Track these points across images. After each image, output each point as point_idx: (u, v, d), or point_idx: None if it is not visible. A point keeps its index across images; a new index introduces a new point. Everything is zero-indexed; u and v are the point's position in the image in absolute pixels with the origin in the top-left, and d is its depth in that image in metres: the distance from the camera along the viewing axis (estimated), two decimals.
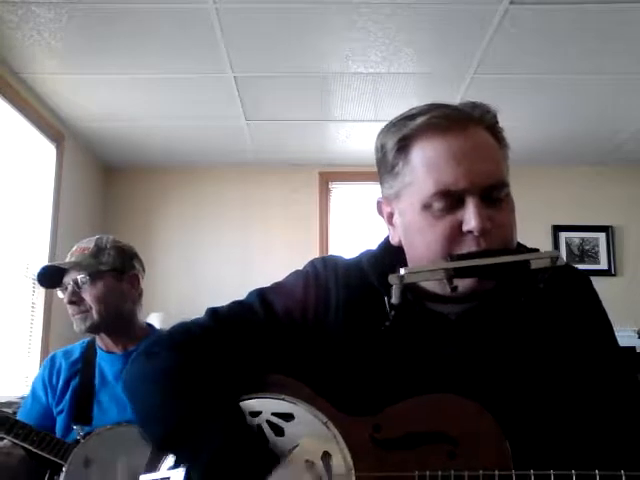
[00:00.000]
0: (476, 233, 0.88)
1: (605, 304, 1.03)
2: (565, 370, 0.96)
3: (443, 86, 3.39)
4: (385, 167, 0.98)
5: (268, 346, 1.01)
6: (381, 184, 1.01)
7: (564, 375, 0.95)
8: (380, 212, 1.03)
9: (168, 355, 0.99)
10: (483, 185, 0.90)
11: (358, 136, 4.08)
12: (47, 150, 3.73)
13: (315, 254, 4.47)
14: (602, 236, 4.54)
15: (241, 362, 1.00)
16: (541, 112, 3.71)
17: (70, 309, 1.80)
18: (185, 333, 1.03)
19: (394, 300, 0.87)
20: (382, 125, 1.02)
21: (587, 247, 4.54)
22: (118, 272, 1.83)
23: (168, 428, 0.92)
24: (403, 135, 0.94)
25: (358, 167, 4.43)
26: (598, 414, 0.94)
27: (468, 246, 0.90)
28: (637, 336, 4.12)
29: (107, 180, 4.60)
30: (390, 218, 1.01)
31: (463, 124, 0.93)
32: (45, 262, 3.60)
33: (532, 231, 4.49)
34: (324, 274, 1.05)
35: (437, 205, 0.91)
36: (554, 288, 0.95)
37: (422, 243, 0.94)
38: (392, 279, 0.87)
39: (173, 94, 3.49)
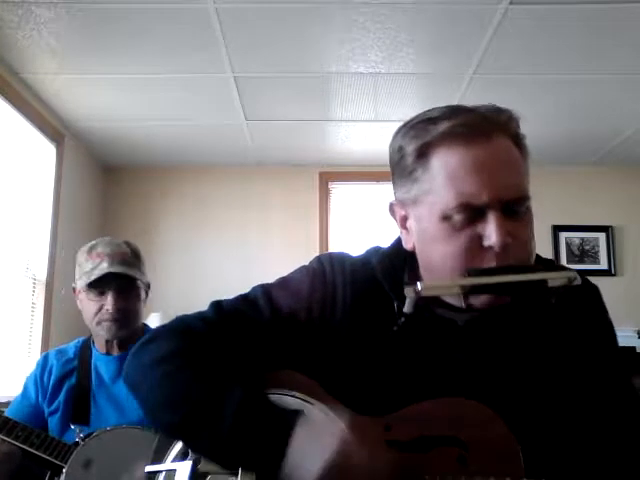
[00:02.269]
0: (497, 249, 0.86)
1: (605, 304, 1.03)
2: (570, 379, 0.95)
3: (443, 86, 3.39)
4: (402, 171, 0.95)
5: (271, 343, 0.99)
6: (395, 186, 0.98)
7: (569, 384, 0.95)
8: (393, 214, 1.01)
9: (168, 342, 0.97)
10: (506, 199, 0.88)
11: (358, 136, 4.08)
12: (47, 150, 3.73)
13: (315, 254, 4.46)
14: (602, 236, 4.54)
15: (242, 357, 0.98)
16: (541, 112, 3.71)
17: (113, 315, 1.78)
18: (186, 324, 1.01)
19: (406, 309, 0.86)
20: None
21: (587, 247, 4.54)
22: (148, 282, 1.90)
23: (177, 413, 0.89)
24: (424, 142, 0.91)
25: (358, 167, 4.43)
26: (602, 422, 0.94)
27: (487, 261, 0.88)
28: (637, 336, 4.12)
29: (107, 180, 4.60)
30: (404, 222, 0.98)
31: (487, 133, 0.90)
32: (45, 262, 3.60)
33: None
34: (331, 272, 1.03)
35: (457, 217, 0.88)
36: (564, 297, 0.94)
37: (439, 254, 0.91)
38: (408, 292, 0.85)
39: (173, 94, 3.49)
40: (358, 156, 4.34)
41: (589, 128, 3.97)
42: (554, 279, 0.84)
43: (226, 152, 4.40)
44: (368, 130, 3.94)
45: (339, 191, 4.69)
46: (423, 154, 0.92)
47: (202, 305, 1.07)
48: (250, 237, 4.56)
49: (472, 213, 0.88)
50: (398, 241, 1.02)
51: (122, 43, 2.94)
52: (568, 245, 4.55)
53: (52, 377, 1.83)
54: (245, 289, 1.08)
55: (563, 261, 4.50)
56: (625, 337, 4.05)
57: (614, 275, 4.49)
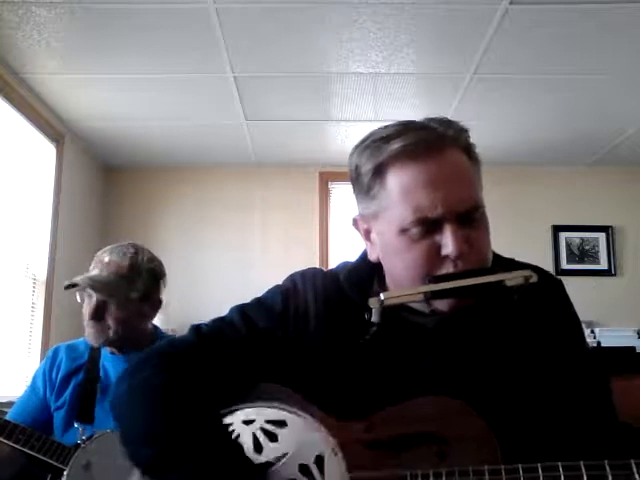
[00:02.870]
0: (453, 257, 0.91)
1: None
2: (540, 371, 0.98)
3: (443, 86, 3.39)
4: (360, 188, 1.00)
5: (251, 360, 1.02)
6: (357, 202, 1.03)
7: (540, 376, 0.98)
8: (357, 228, 1.06)
9: (151, 374, 0.99)
10: (460, 210, 0.92)
11: (358, 136, 4.05)
12: (47, 150, 3.73)
13: (315, 254, 4.48)
14: (602, 236, 4.54)
15: (225, 376, 1.01)
16: (541, 112, 3.71)
17: (87, 322, 1.76)
18: (168, 351, 1.03)
19: (374, 319, 0.91)
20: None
21: (587, 247, 4.54)
22: (145, 297, 1.80)
23: (148, 454, 0.91)
24: (378, 161, 0.96)
25: None
26: (574, 410, 0.96)
27: (446, 268, 0.92)
28: (637, 336, 4.12)
29: (107, 180, 4.61)
30: (367, 234, 1.04)
31: (438, 148, 0.94)
32: (45, 262, 3.60)
33: (532, 231, 4.49)
34: (303, 288, 1.07)
35: (414, 230, 0.93)
36: (528, 293, 0.97)
37: (400, 265, 0.96)
38: (372, 302, 0.91)
39: (173, 94, 3.49)
40: None
41: (589, 128, 3.97)
42: (510, 279, 0.88)
43: (226, 152, 4.40)
44: (368, 130, 3.92)
45: (339, 191, 4.69)
46: (378, 173, 0.96)
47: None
48: (250, 237, 4.56)
49: (428, 226, 0.92)
50: (364, 254, 1.07)
51: (122, 43, 2.94)
52: (568, 245, 4.55)
53: (60, 372, 1.82)
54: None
55: (563, 261, 4.51)
56: (625, 337, 4.06)
57: (614, 275, 4.48)
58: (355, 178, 1.01)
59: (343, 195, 4.69)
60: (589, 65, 3.14)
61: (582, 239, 4.56)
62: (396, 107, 3.63)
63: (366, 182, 0.98)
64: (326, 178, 4.65)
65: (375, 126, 1.01)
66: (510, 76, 3.28)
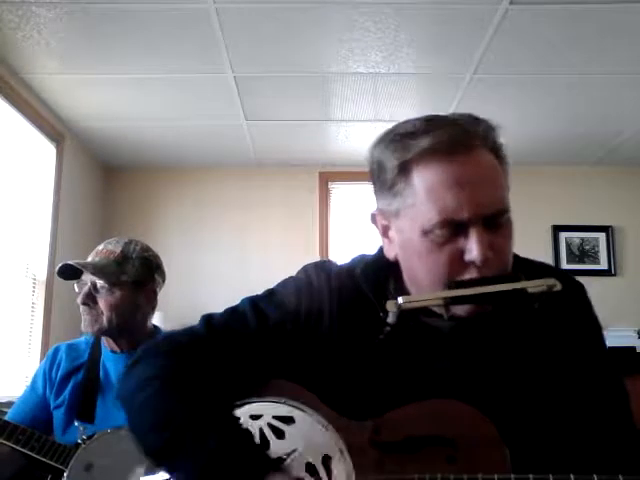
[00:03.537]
0: (478, 263, 0.88)
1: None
2: (557, 377, 0.96)
3: (443, 86, 3.39)
4: (383, 184, 0.96)
5: (260, 354, 1.01)
6: (377, 197, 0.99)
7: (556, 382, 0.95)
8: (375, 223, 1.02)
9: (153, 363, 0.98)
10: (486, 213, 0.89)
11: (358, 136, 4.08)
12: (47, 150, 3.73)
13: (315, 254, 4.47)
14: (602, 236, 4.54)
15: (233, 369, 0.99)
16: (541, 112, 3.71)
17: (81, 308, 1.78)
18: (173, 341, 1.02)
19: (390, 320, 0.88)
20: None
21: (587, 247, 4.54)
22: (138, 284, 1.80)
23: (161, 439, 0.90)
24: (404, 159, 0.92)
25: (358, 167, 4.39)
26: (590, 419, 0.94)
27: (469, 274, 0.89)
28: (637, 336, 4.12)
29: (107, 180, 4.60)
30: (386, 231, 1.00)
31: (467, 147, 0.90)
32: (45, 262, 3.60)
33: (532, 231, 4.49)
34: (317, 282, 1.04)
35: (438, 232, 0.89)
36: (549, 298, 0.94)
37: (421, 267, 0.93)
38: (390, 306, 0.88)
39: (173, 94, 3.49)
40: (358, 156, 4.32)
41: (589, 128, 3.97)
42: (533, 287, 0.85)
43: (226, 152, 4.40)
44: (368, 130, 3.94)
45: (339, 191, 4.69)
46: (404, 170, 0.92)
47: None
48: (250, 237, 4.55)
49: (453, 228, 0.89)
50: (381, 250, 1.03)
51: (122, 43, 2.94)
52: (568, 245, 4.55)
53: (60, 371, 1.82)
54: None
55: (563, 261, 4.50)
56: (625, 337, 4.06)
57: (614, 275, 4.48)
58: (377, 174, 0.97)
59: (343, 195, 4.69)
60: (589, 65, 3.14)
61: (582, 239, 4.56)
62: (396, 107, 3.62)
63: (390, 178, 0.94)
64: (326, 178, 4.65)
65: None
66: (510, 76, 3.28)
